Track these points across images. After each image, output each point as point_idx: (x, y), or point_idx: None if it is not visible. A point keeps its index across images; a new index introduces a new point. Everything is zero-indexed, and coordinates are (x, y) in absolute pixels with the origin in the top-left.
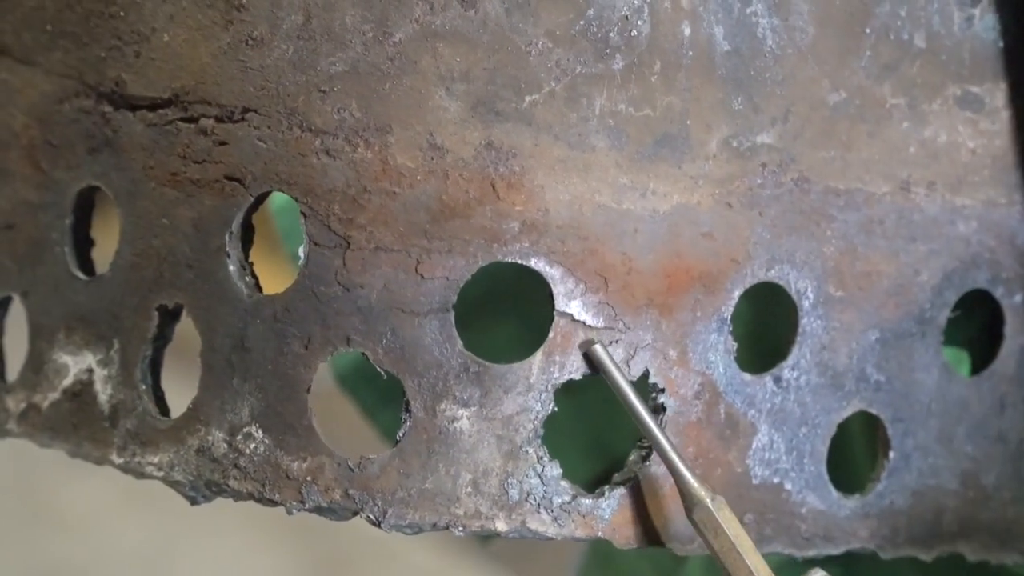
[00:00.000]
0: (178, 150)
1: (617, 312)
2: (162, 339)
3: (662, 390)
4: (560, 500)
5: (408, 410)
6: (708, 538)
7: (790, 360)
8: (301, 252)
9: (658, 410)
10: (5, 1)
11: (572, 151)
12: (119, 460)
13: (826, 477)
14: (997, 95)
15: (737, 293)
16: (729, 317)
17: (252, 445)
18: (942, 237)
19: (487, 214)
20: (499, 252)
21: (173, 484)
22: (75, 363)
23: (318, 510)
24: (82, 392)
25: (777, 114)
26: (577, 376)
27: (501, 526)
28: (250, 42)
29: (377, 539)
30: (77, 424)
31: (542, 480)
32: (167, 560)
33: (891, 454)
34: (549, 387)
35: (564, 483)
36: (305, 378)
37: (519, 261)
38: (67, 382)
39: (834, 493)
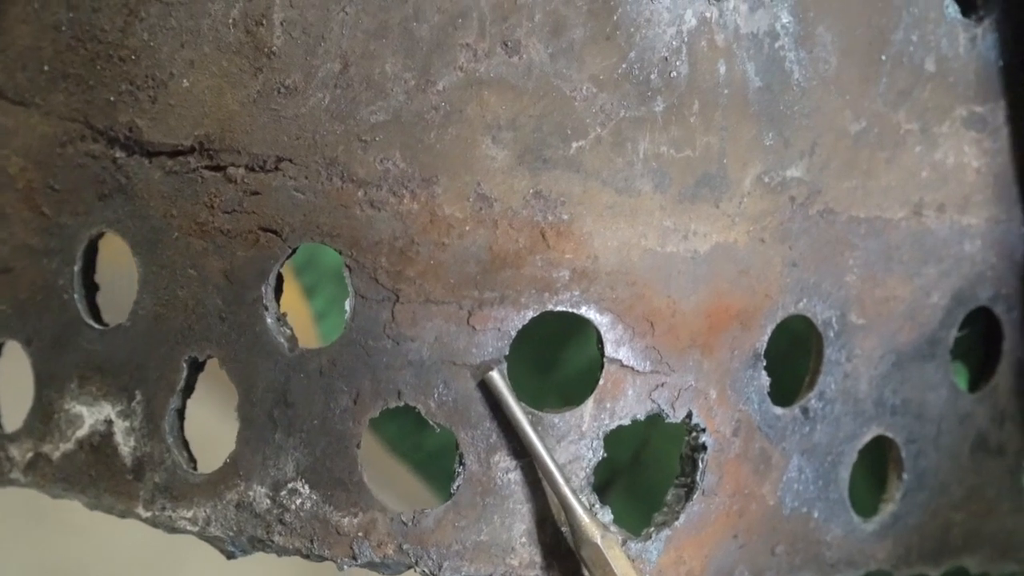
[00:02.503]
0: (204, 199)
1: (663, 355)
2: (188, 390)
3: (703, 430)
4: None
5: (462, 463)
6: (598, 574)
7: (816, 390)
8: (347, 305)
9: (698, 449)
10: None
11: (619, 196)
12: (147, 514)
13: (848, 503)
14: (998, 113)
15: (770, 328)
16: (763, 352)
17: (298, 501)
18: (951, 258)
19: (538, 263)
20: (550, 301)
21: (210, 539)
22: (91, 414)
23: (370, 565)
24: (101, 443)
25: (805, 147)
26: (627, 422)
27: (556, 574)
28: (283, 90)
29: None
30: (96, 476)
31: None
32: (171, 561)
33: (904, 475)
34: (600, 434)
35: (614, 528)
36: (355, 433)
37: (570, 309)
38: (82, 432)
39: (855, 518)
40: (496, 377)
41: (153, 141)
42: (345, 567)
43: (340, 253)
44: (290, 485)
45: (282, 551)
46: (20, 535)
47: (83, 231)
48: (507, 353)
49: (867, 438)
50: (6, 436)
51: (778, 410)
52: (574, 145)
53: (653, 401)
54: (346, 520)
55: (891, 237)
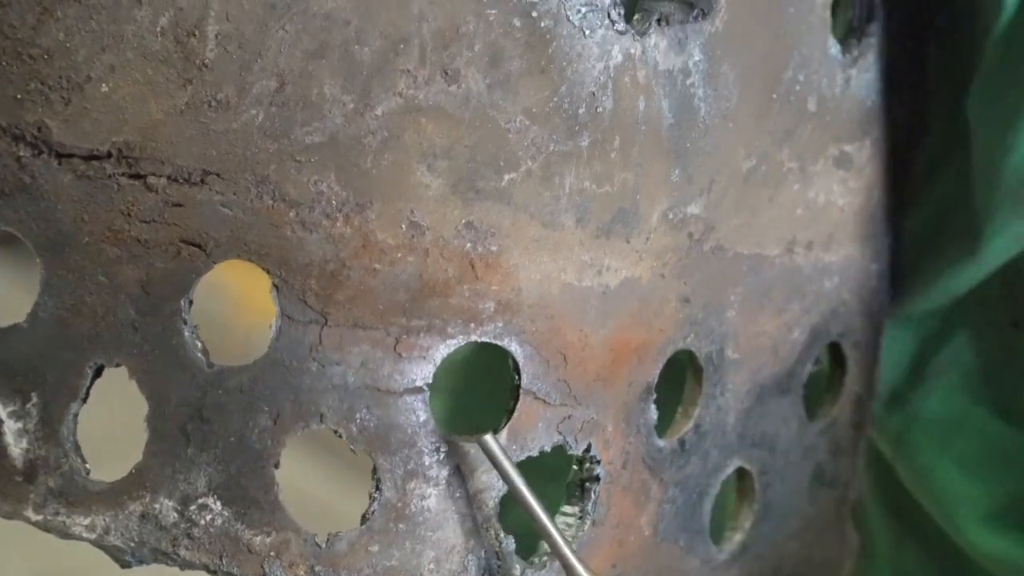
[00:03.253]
0: (120, 206)
1: (572, 389)
2: (84, 397)
3: (598, 461)
4: (515, 575)
5: (379, 488)
6: None
7: (692, 424)
8: (272, 325)
9: (591, 480)
10: None
11: (545, 230)
12: (37, 517)
13: (707, 532)
14: (863, 152)
15: (662, 363)
16: (654, 386)
17: (208, 516)
18: (812, 294)
19: (465, 293)
20: (475, 332)
21: (107, 548)
22: None
23: None
24: None
25: (704, 184)
26: (535, 453)
27: None
28: (213, 104)
29: None
30: None
31: (498, 556)
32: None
33: (755, 506)
34: (512, 464)
35: (517, 559)
36: (273, 452)
37: (493, 341)
38: None
39: (712, 548)
40: (490, 440)
41: (64, 143)
42: None
43: (268, 272)
44: (200, 500)
45: (187, 565)
46: (20, 535)
47: None
48: (430, 382)
49: (730, 470)
50: None
51: (660, 442)
52: (506, 177)
53: (560, 433)
54: (258, 539)
55: (767, 274)
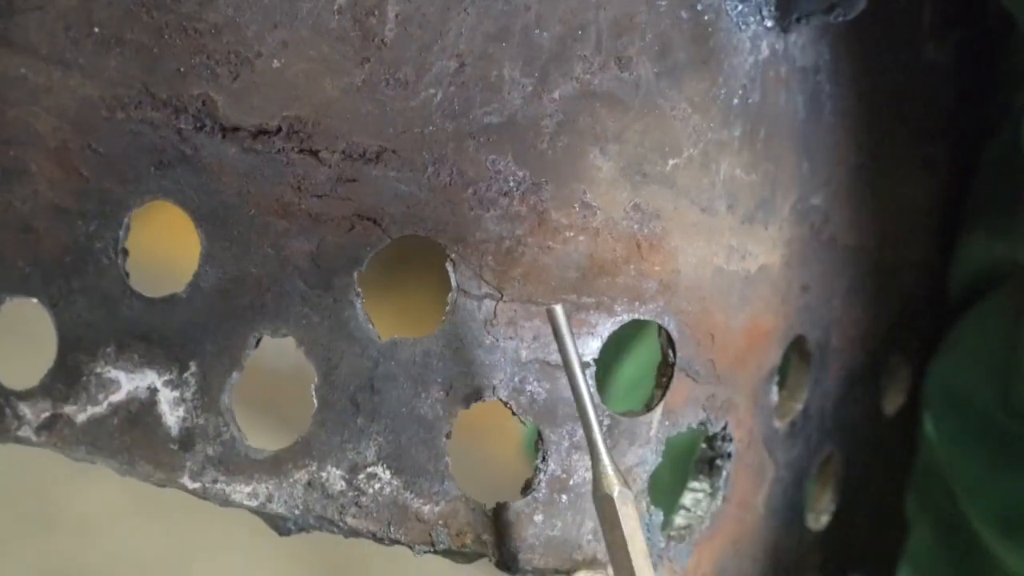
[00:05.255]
0: (289, 180)
1: (716, 368)
2: None
3: (731, 440)
4: (659, 548)
5: (544, 460)
6: (605, 529)
7: (801, 407)
8: (448, 298)
9: (723, 457)
10: None
11: (702, 215)
12: (193, 485)
13: (804, 513)
14: (944, 154)
15: (784, 348)
16: (776, 370)
17: (377, 485)
18: (895, 289)
19: (631, 273)
20: (639, 310)
21: (269, 515)
22: (130, 380)
23: (446, 552)
24: (140, 411)
25: (825, 178)
26: (683, 430)
27: (612, 571)
28: (391, 82)
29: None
30: (132, 443)
31: (648, 528)
32: (176, 565)
33: (839, 490)
34: (663, 440)
35: (662, 532)
36: (444, 424)
37: (654, 319)
38: (117, 398)
39: (806, 528)
40: (559, 311)
41: (231, 117)
42: (420, 554)
43: (444, 248)
44: (369, 469)
45: (351, 533)
46: (29, 539)
47: (132, 198)
48: (596, 357)
49: (825, 454)
50: (15, 393)
51: (776, 424)
52: (670, 162)
53: (704, 411)
54: (427, 508)
55: (863, 266)
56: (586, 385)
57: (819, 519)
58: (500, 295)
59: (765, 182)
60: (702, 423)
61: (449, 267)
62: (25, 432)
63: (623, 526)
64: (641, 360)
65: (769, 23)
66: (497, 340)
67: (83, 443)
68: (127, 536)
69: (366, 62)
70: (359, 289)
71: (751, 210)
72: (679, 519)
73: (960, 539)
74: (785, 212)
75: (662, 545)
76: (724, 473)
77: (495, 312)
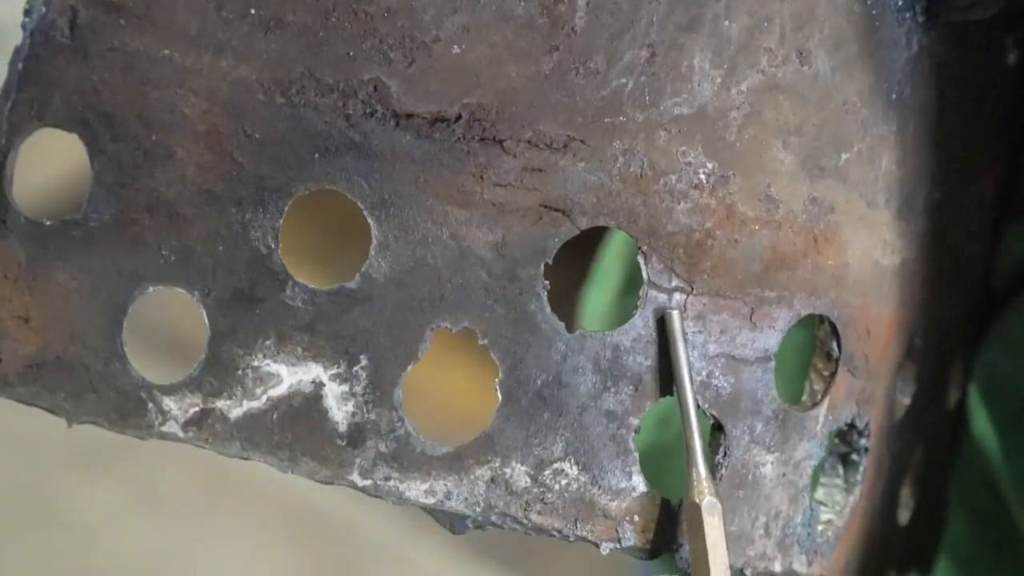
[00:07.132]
0: (471, 169)
1: (869, 363)
2: None
3: (869, 435)
4: (815, 543)
5: (727, 454)
6: (689, 535)
7: (909, 401)
8: (640, 293)
9: (860, 451)
10: None
11: (867, 209)
12: (364, 482)
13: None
14: (1004, 153)
15: (907, 343)
16: (902, 364)
17: (564, 481)
18: (963, 285)
19: (808, 266)
20: (815, 304)
21: (446, 513)
22: (292, 374)
23: (629, 549)
24: (304, 405)
25: (943, 174)
26: (841, 425)
27: (777, 568)
28: (581, 71)
29: (387, 544)
30: (294, 439)
31: (809, 523)
32: (177, 564)
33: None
34: (827, 435)
35: (820, 527)
36: (632, 419)
37: (826, 313)
38: (278, 392)
39: (895, 522)
40: (675, 316)
41: (405, 103)
42: (606, 551)
43: (636, 240)
44: (556, 465)
45: (535, 530)
46: (30, 538)
47: (294, 185)
48: (776, 351)
49: (916, 453)
50: (158, 387)
51: (892, 419)
52: (843, 156)
53: (857, 405)
54: (614, 504)
55: (954, 259)
56: (692, 391)
57: (902, 514)
58: (690, 288)
59: (911, 177)
60: (855, 418)
61: (640, 259)
62: (171, 428)
63: (707, 536)
64: (606, 287)
65: (921, 18)
66: (686, 334)
67: (238, 439)
68: (127, 536)
69: (555, 50)
70: (545, 281)
71: (900, 205)
72: (821, 514)
73: (999, 528)
74: (920, 207)
75: (820, 541)
76: (861, 468)
77: (685, 306)
